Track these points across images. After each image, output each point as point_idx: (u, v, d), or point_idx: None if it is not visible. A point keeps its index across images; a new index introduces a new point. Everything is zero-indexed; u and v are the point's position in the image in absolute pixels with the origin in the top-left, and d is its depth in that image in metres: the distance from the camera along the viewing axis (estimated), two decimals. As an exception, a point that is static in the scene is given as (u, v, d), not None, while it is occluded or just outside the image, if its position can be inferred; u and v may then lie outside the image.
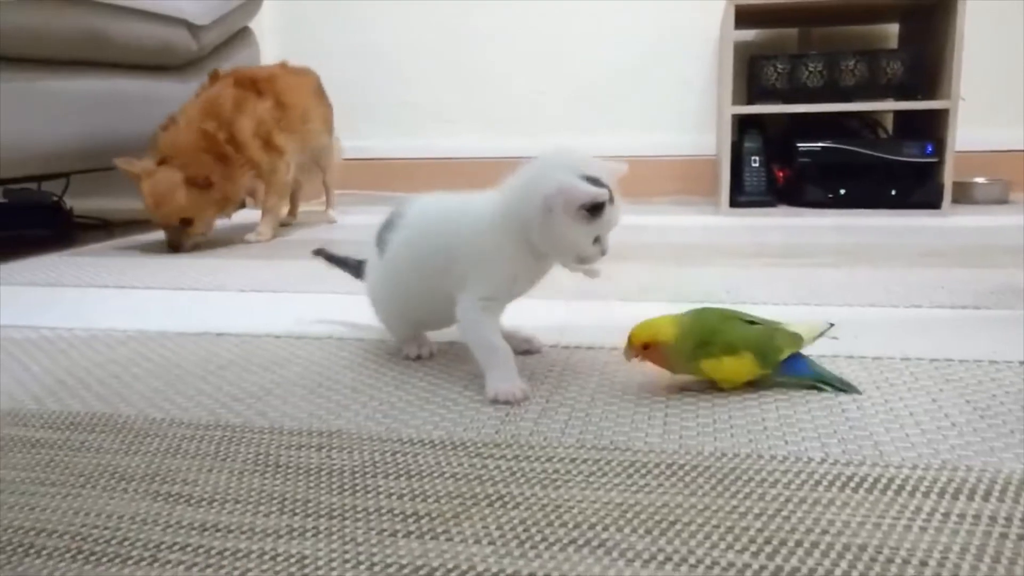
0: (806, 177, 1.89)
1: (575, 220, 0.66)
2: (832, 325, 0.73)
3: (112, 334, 0.94)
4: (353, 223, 1.90)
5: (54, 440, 0.63)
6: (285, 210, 1.91)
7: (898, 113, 2.06)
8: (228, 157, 1.53)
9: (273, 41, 2.44)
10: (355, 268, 0.87)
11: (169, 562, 0.45)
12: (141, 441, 0.62)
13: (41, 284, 1.26)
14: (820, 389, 0.68)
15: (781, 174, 1.97)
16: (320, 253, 0.92)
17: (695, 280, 1.15)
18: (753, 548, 0.44)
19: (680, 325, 0.68)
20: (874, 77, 1.85)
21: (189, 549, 0.46)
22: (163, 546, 0.47)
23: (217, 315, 1.02)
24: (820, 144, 1.87)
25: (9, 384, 0.77)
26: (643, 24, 2.28)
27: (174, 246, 1.54)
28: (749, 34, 2.21)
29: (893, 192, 1.85)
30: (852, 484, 0.51)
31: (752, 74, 1.90)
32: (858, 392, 0.68)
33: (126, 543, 0.47)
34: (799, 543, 0.44)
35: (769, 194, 1.92)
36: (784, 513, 0.48)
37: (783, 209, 1.92)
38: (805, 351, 0.70)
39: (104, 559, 0.46)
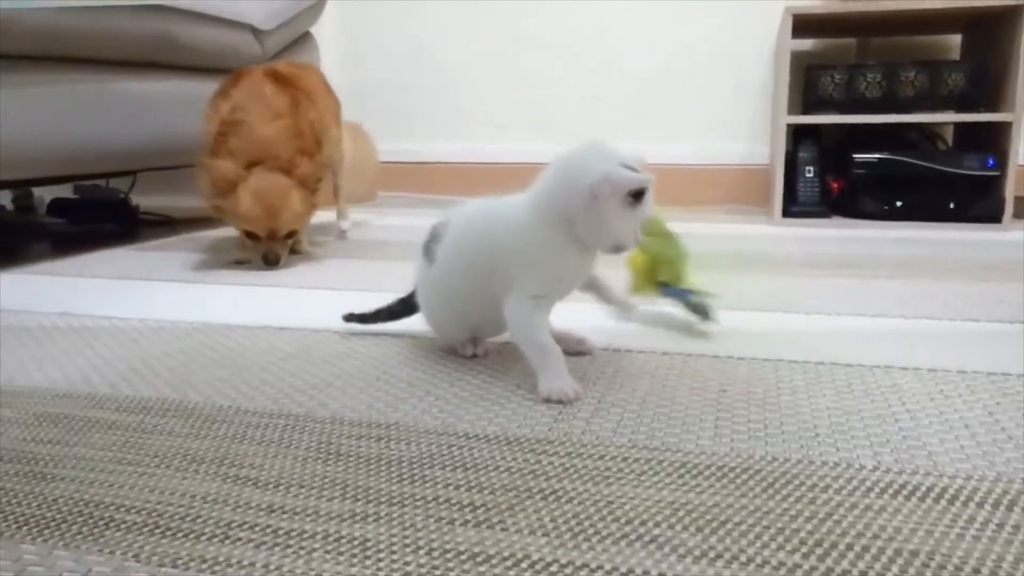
0: (862, 188, 1.87)
1: (620, 207, 0.68)
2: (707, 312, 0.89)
3: (179, 325, 0.98)
4: (401, 224, 1.93)
5: (129, 423, 0.66)
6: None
7: (959, 125, 2.02)
8: (314, 154, 1.40)
9: (329, 46, 2.49)
10: (390, 311, 0.88)
11: (239, 540, 0.47)
12: (210, 426, 0.65)
13: (111, 276, 1.31)
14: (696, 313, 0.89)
15: (836, 185, 1.95)
16: (351, 319, 0.91)
17: (745, 288, 1.14)
18: (804, 549, 0.45)
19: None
20: (934, 88, 1.82)
21: (257, 529, 0.49)
22: (233, 524, 0.49)
23: (277, 310, 1.05)
24: (877, 155, 1.84)
25: (85, 369, 0.80)
26: (698, 32, 2.28)
27: (274, 260, 1.34)
28: (806, 44, 2.19)
29: (952, 205, 1.82)
30: (904, 492, 0.52)
31: (808, 83, 1.89)
32: (716, 322, 0.86)
33: (199, 520, 0.50)
34: (850, 546, 0.45)
35: (823, 205, 1.90)
36: (835, 517, 0.48)
37: (837, 220, 1.90)
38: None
39: (179, 534, 0.48)
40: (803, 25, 1.85)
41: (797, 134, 1.99)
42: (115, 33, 1.51)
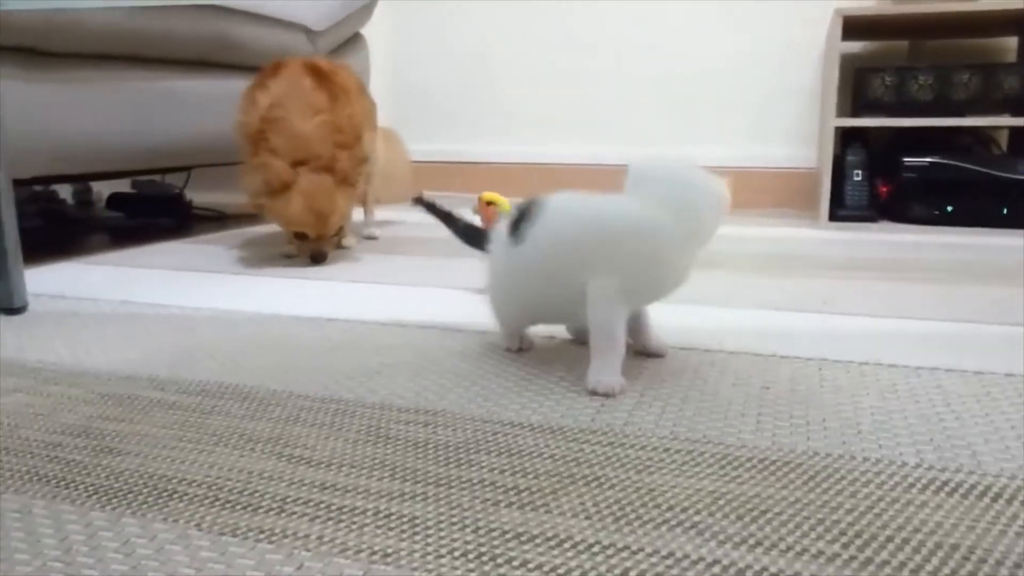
0: (911, 193, 1.84)
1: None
2: None
3: (231, 315, 1.01)
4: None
5: (187, 403, 0.69)
6: None
7: (1014, 129, 1.98)
8: (352, 147, 1.38)
9: (377, 46, 2.53)
10: (460, 228, 0.88)
11: (295, 513, 0.50)
12: (264, 409, 0.68)
13: (168, 268, 1.35)
14: None
15: (884, 189, 1.93)
16: (420, 202, 0.90)
17: (788, 289, 1.14)
18: (843, 540, 0.45)
19: (510, 205, 1.01)
20: (989, 91, 1.79)
21: (311, 504, 0.51)
22: (288, 499, 0.51)
23: (324, 302, 1.08)
24: (928, 159, 1.81)
25: (145, 353, 0.84)
26: (745, 35, 2.27)
27: (322, 258, 1.38)
28: (855, 46, 2.17)
29: (1005, 211, 1.78)
30: (946, 488, 0.52)
31: (858, 86, 1.87)
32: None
33: (256, 495, 0.52)
34: (890, 538, 0.46)
35: (871, 209, 1.88)
36: (876, 511, 0.49)
37: (885, 225, 1.88)
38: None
39: (238, 507, 0.51)
40: (853, 27, 1.83)
41: (845, 137, 1.97)
42: (173, 33, 1.56)
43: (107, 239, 1.80)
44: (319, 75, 1.39)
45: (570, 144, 2.44)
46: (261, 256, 1.48)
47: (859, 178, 1.87)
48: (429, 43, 2.56)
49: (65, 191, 2.32)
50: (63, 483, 0.54)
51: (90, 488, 0.53)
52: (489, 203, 1.21)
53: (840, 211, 1.86)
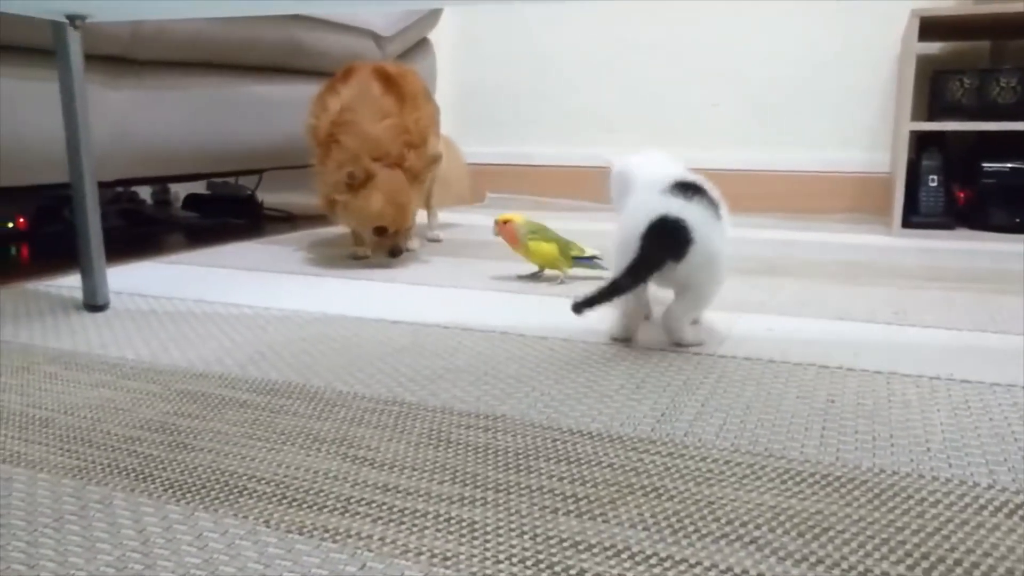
0: (991, 199, 1.77)
1: None
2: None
3: (300, 314, 1.04)
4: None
5: (257, 402, 0.72)
6: None
7: (1103, 134, 1.89)
8: (419, 147, 1.41)
9: (444, 50, 2.56)
10: (618, 286, 0.84)
11: (358, 514, 0.51)
12: (330, 409, 0.70)
13: (240, 267, 1.40)
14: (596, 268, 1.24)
15: (961, 195, 1.86)
16: (581, 308, 0.85)
17: (859, 298, 1.12)
18: (909, 561, 0.45)
19: (525, 219, 1.25)
20: (1076, 94, 1.71)
21: (374, 505, 0.52)
22: (352, 500, 0.53)
23: (390, 304, 1.10)
24: (1009, 164, 1.75)
25: (218, 352, 0.87)
26: (818, 37, 2.22)
27: (399, 252, 1.41)
28: (933, 47, 2.10)
29: (1092, 219, 1.70)
30: (1021, 512, 0.50)
31: (935, 89, 1.81)
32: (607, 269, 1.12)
33: (321, 495, 0.54)
34: (958, 562, 0.44)
35: (947, 216, 1.81)
36: (944, 532, 0.48)
37: (962, 232, 1.81)
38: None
39: (304, 505, 0.52)
40: (931, 28, 1.78)
41: (921, 142, 1.91)
42: (249, 41, 1.61)
43: (183, 239, 1.87)
44: (387, 80, 1.43)
45: (635, 147, 2.42)
46: (328, 257, 1.52)
47: (935, 184, 1.81)
48: (494, 47, 2.58)
49: (144, 192, 2.42)
50: (141, 477, 0.57)
51: (166, 482, 0.56)
52: (505, 222, 1.24)
53: (914, 217, 1.80)
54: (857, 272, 1.34)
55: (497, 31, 2.57)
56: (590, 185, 2.45)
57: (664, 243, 0.83)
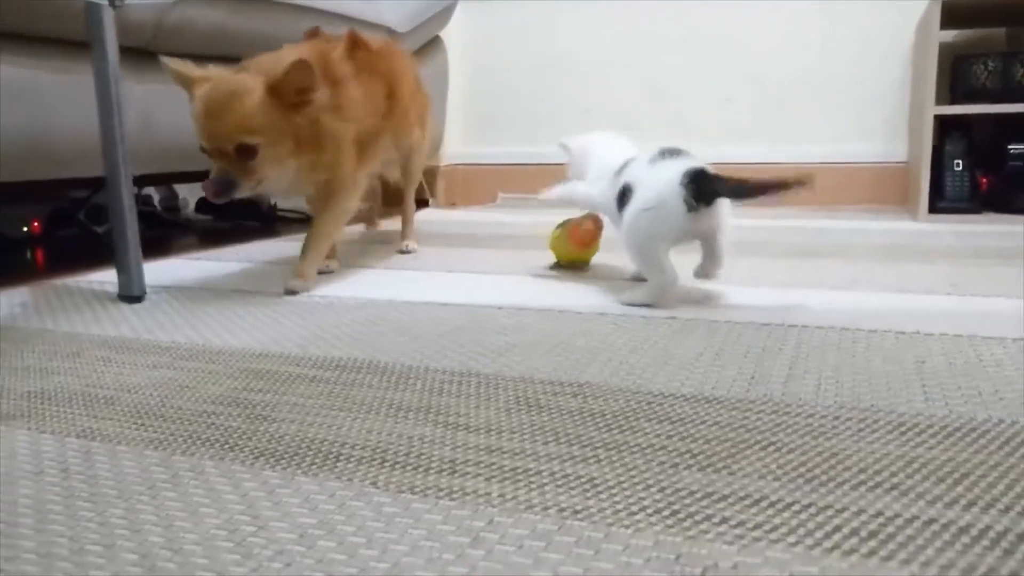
0: (1017, 182, 1.76)
1: None
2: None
3: (344, 301, 1.01)
4: (523, 221, 1.95)
5: (327, 377, 0.69)
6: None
7: (1123, 116, 1.88)
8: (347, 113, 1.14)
9: (455, 53, 2.54)
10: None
11: (467, 473, 0.49)
12: (404, 382, 0.67)
13: (268, 262, 1.37)
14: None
15: (984, 180, 1.85)
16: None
17: (909, 274, 1.10)
18: (1064, 502, 0.42)
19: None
20: (1098, 76, 1.71)
21: (482, 465, 0.50)
22: (457, 461, 0.50)
23: (433, 289, 1.07)
24: (1034, 147, 1.74)
25: (271, 334, 0.84)
26: (830, 29, 2.21)
27: (222, 189, 1.00)
28: (948, 35, 2.09)
29: (1118, 200, 1.70)
30: None
31: (956, 74, 1.80)
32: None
33: (423, 457, 0.51)
34: (1117, 501, 0.42)
35: (973, 200, 1.80)
36: (1089, 475, 0.46)
37: (988, 216, 1.80)
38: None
39: (408, 467, 0.50)
40: (949, 15, 1.77)
41: (942, 129, 1.90)
42: (269, 34, 1.59)
43: (202, 239, 1.84)
44: (358, 44, 1.20)
45: (653, 143, 2.41)
46: (353, 251, 1.49)
47: (960, 168, 1.80)
48: (506, 45, 2.57)
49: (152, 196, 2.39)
50: (227, 446, 0.54)
51: (255, 451, 0.53)
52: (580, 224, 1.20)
53: (940, 203, 1.79)
54: (897, 253, 1.32)
55: (508, 31, 2.56)
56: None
57: (704, 184, 0.88)
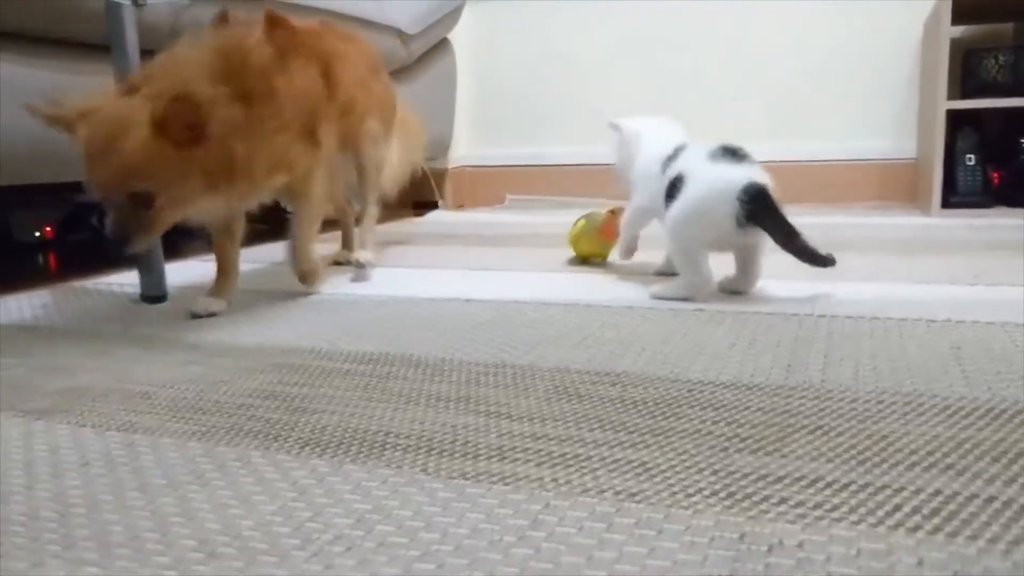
0: (1031, 177, 1.76)
1: None
2: None
3: (369, 298, 1.01)
4: (531, 221, 1.95)
5: (360, 371, 0.69)
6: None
7: None
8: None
9: (462, 55, 2.54)
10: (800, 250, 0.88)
11: (517, 459, 0.48)
12: (439, 374, 0.67)
13: (275, 262, 1.37)
14: None
15: (996, 175, 1.85)
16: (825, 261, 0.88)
17: (930, 266, 1.10)
18: (1123, 479, 0.42)
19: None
20: (1109, 69, 1.71)
21: (531, 452, 0.50)
22: (504, 448, 0.50)
23: (453, 286, 1.07)
24: (1047, 141, 1.74)
25: (299, 331, 0.84)
26: (836, 27, 2.22)
27: (118, 238, 0.85)
28: (956, 31, 2.09)
29: None
30: None
31: (967, 69, 1.80)
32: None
33: (469, 444, 0.51)
34: None
35: (985, 195, 1.80)
36: None
37: (1001, 210, 1.80)
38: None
39: (456, 454, 0.50)
40: (960, 10, 1.77)
41: (952, 124, 1.90)
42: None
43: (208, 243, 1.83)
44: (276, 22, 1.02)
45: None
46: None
47: (972, 163, 1.80)
48: (513, 47, 2.57)
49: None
50: (270, 437, 0.54)
51: (299, 440, 0.53)
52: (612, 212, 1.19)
53: (952, 198, 1.79)
54: (913, 246, 1.32)
55: (514, 32, 2.56)
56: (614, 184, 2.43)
57: (761, 207, 0.86)
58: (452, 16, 2.15)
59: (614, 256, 1.21)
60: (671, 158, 0.97)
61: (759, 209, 0.85)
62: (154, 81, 0.84)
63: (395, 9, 1.91)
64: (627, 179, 1.10)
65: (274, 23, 0.98)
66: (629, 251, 1.14)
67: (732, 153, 0.91)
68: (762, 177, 0.88)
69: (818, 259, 0.86)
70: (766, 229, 0.87)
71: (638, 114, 1.21)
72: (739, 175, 0.87)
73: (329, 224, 1.23)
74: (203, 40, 0.90)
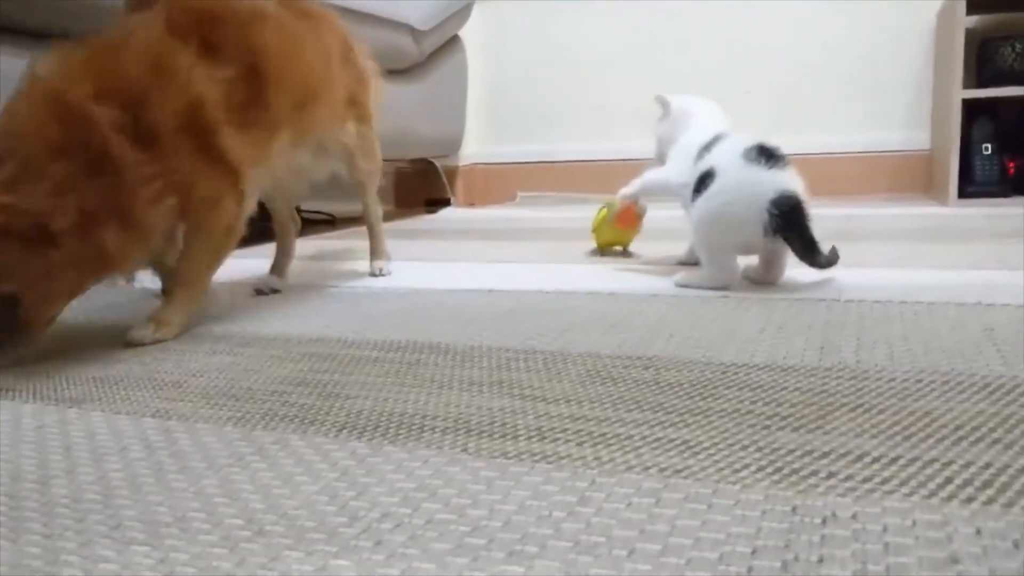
0: (1046, 166, 1.75)
1: None
2: None
3: (389, 291, 1.01)
4: (543, 216, 1.95)
5: (390, 358, 0.69)
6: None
7: None
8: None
9: (472, 53, 2.54)
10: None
11: (557, 439, 0.48)
12: (469, 360, 0.67)
13: (301, 257, 1.37)
14: None
15: (1012, 164, 1.84)
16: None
17: (953, 253, 1.09)
18: None
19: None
20: None
21: (570, 432, 0.49)
22: (543, 429, 0.50)
23: (473, 278, 1.07)
24: (1066, 130, 1.73)
25: (324, 321, 0.84)
26: (848, 19, 2.21)
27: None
28: (970, 21, 2.08)
29: None
30: None
31: (983, 58, 1.79)
32: None
33: (507, 426, 0.51)
34: None
35: (1002, 184, 1.79)
36: None
37: (1018, 200, 1.79)
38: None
39: (495, 435, 0.49)
40: (973, 1, 1.76)
41: (967, 114, 1.89)
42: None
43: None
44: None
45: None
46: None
47: (988, 152, 1.79)
48: (523, 45, 2.57)
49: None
50: (307, 421, 0.54)
51: (336, 424, 0.53)
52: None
53: (969, 187, 1.78)
54: (935, 235, 1.31)
55: (524, 30, 2.56)
56: (623, 180, 2.43)
57: (791, 220, 0.85)
58: (463, 13, 2.15)
59: (634, 246, 1.21)
60: (707, 147, 0.93)
61: (789, 223, 0.84)
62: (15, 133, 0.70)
63: (407, 5, 1.91)
64: (664, 155, 1.06)
65: (175, 11, 0.80)
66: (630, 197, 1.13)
67: (768, 155, 0.87)
68: (795, 184, 0.86)
69: (831, 264, 0.88)
70: (790, 242, 0.85)
71: (648, 109, 1.19)
72: (772, 183, 0.85)
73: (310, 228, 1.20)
74: (39, 84, 0.72)
